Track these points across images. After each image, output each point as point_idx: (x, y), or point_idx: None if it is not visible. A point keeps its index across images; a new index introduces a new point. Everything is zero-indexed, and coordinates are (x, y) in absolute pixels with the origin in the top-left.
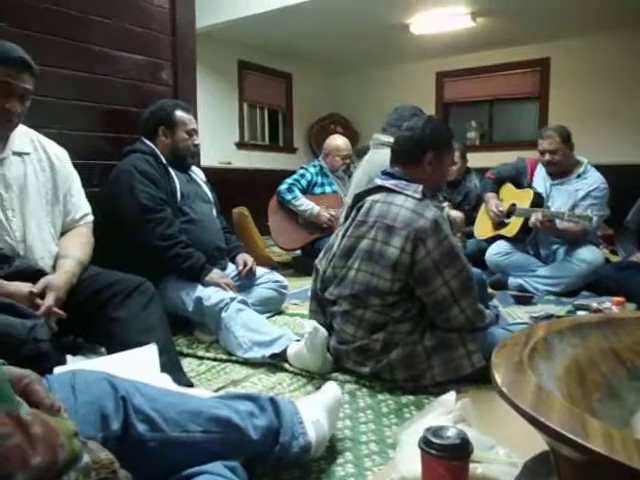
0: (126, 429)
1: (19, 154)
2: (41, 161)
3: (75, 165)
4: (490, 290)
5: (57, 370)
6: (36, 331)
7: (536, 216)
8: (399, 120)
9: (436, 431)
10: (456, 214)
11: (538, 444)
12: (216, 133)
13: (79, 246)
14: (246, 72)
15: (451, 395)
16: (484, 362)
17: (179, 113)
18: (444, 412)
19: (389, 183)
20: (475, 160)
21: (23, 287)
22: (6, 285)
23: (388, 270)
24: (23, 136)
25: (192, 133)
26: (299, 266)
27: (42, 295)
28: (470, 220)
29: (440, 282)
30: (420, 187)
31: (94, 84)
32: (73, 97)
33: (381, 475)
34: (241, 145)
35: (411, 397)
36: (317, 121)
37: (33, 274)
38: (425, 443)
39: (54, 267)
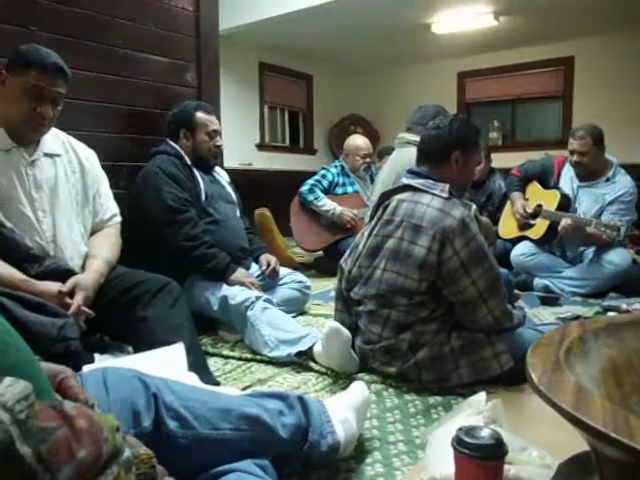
0: (157, 426)
1: (50, 155)
2: (71, 162)
3: (103, 166)
4: (516, 291)
5: (86, 368)
6: (66, 330)
7: (566, 221)
8: (423, 119)
9: (469, 431)
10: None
11: (571, 446)
12: (237, 135)
13: (107, 246)
14: (267, 74)
15: (481, 396)
16: (512, 363)
17: (200, 115)
18: (474, 413)
19: (416, 182)
20: (497, 160)
21: (53, 286)
22: (37, 284)
23: (415, 269)
24: (54, 138)
25: (213, 135)
26: (321, 267)
27: (71, 294)
28: (494, 221)
29: (468, 282)
30: (447, 186)
31: (121, 86)
32: (101, 99)
33: (410, 475)
34: (262, 146)
35: (438, 398)
36: (337, 122)
37: (62, 273)
38: (458, 443)
39: (83, 267)
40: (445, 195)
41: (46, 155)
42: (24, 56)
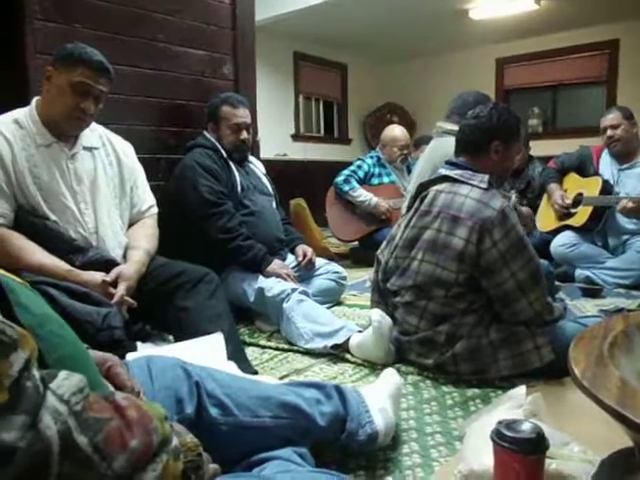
0: (199, 413)
1: (89, 149)
2: (109, 155)
3: (141, 159)
4: (556, 282)
5: (129, 356)
6: (110, 319)
7: (625, 203)
8: (463, 107)
9: (510, 424)
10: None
11: (613, 441)
12: (272, 125)
13: (146, 237)
14: (302, 64)
15: (521, 389)
16: (553, 356)
17: (225, 108)
18: (514, 406)
19: (454, 173)
20: (537, 148)
21: (97, 276)
22: (81, 274)
23: (453, 261)
24: (92, 132)
25: (236, 129)
26: (356, 257)
27: (114, 284)
28: (533, 209)
29: (507, 274)
30: (486, 177)
31: (159, 80)
32: (140, 93)
33: (448, 466)
34: (297, 137)
35: (476, 390)
36: (373, 111)
37: (105, 264)
38: (498, 436)
39: (124, 257)
40: (484, 186)
41: (85, 149)
42: (71, 54)
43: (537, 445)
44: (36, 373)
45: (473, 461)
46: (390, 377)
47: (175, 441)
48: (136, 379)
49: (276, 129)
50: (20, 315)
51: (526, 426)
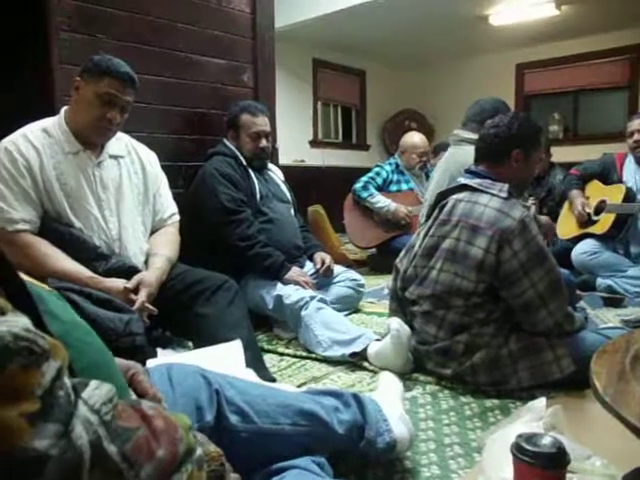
0: (219, 420)
1: (114, 157)
2: (134, 163)
3: (162, 166)
4: (577, 291)
5: (149, 362)
6: (132, 325)
7: None
8: (480, 114)
9: (530, 438)
10: (544, 218)
11: (636, 455)
12: (290, 131)
13: (168, 244)
14: (320, 70)
15: (541, 401)
16: (574, 367)
17: (244, 117)
18: (534, 418)
19: (473, 182)
20: (558, 154)
21: (119, 283)
22: (104, 281)
23: (472, 271)
24: (118, 140)
25: (255, 137)
26: (375, 264)
27: (135, 291)
28: (554, 217)
29: (527, 284)
30: (506, 186)
31: (180, 89)
32: (162, 102)
33: (467, 479)
34: (315, 143)
35: (495, 401)
36: (391, 117)
37: (127, 271)
38: (518, 450)
39: (145, 263)
40: (504, 195)
41: (111, 157)
42: (98, 65)
43: (558, 460)
44: (68, 382)
45: (492, 474)
46: (389, 381)
47: (199, 451)
48: (157, 386)
49: (294, 135)
50: (49, 323)
51: (547, 440)
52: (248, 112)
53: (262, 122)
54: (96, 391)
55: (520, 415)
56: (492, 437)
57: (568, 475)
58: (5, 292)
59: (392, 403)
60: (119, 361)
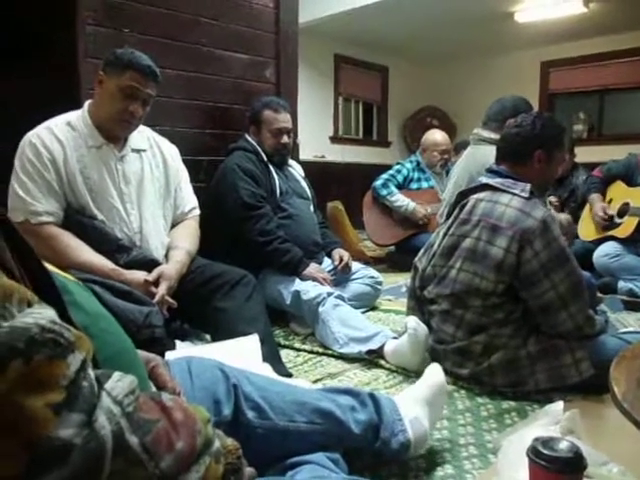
0: (236, 415)
1: (137, 151)
2: (155, 157)
3: (184, 161)
4: (598, 294)
5: (168, 355)
6: (151, 317)
7: None
8: (501, 113)
9: (546, 442)
10: (564, 216)
11: None
12: (311, 127)
13: (188, 238)
14: (342, 66)
15: (558, 405)
16: (593, 371)
17: (266, 112)
18: (551, 422)
19: (494, 181)
20: (582, 155)
21: (139, 275)
22: (125, 273)
23: (491, 271)
24: (140, 134)
25: (277, 133)
26: (392, 261)
27: (156, 283)
28: (575, 218)
29: (548, 285)
30: (528, 186)
31: (202, 84)
32: (184, 96)
33: (482, 479)
34: (335, 139)
35: (512, 403)
36: (412, 114)
37: (147, 263)
38: (534, 453)
39: (166, 256)
40: (526, 195)
41: (133, 150)
42: (121, 59)
43: (575, 465)
44: (91, 373)
45: (508, 476)
46: (432, 377)
47: (217, 443)
48: (177, 379)
49: (315, 131)
50: (74, 315)
51: (564, 444)
52: (270, 108)
53: (284, 119)
54: (119, 383)
55: (537, 418)
56: (508, 439)
57: None
58: (31, 284)
59: (411, 403)
60: (140, 353)
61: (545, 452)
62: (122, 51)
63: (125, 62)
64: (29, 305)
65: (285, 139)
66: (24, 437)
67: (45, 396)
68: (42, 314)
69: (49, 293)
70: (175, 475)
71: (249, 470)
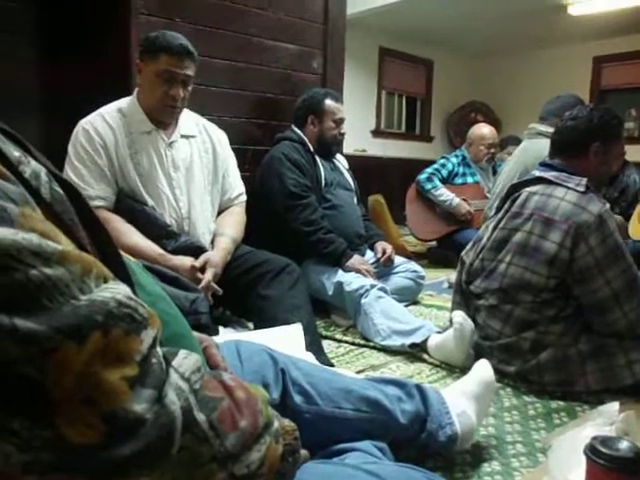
0: (284, 399)
1: (186, 137)
2: (204, 143)
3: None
4: None
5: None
6: (198, 304)
7: None
8: (561, 109)
9: (605, 441)
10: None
11: None
12: (353, 120)
13: (234, 225)
14: (386, 59)
15: (613, 405)
16: None
17: (329, 102)
18: (605, 422)
19: (549, 175)
20: (633, 153)
21: (186, 261)
22: (172, 259)
23: (543, 265)
24: (189, 120)
25: (339, 122)
26: (434, 257)
27: (202, 270)
28: (625, 217)
29: (602, 282)
30: (584, 180)
31: (250, 73)
32: (231, 86)
33: (531, 477)
34: (377, 133)
35: (561, 403)
36: (456, 109)
37: (194, 250)
38: (593, 452)
39: (212, 243)
40: (581, 189)
41: (183, 136)
42: (153, 43)
43: (636, 465)
44: (159, 350)
45: (560, 475)
46: (481, 373)
47: (276, 424)
48: (227, 361)
49: (356, 124)
50: (139, 295)
51: (624, 444)
52: (332, 98)
53: (342, 108)
54: (185, 360)
55: (590, 418)
56: (560, 438)
57: None
58: (103, 261)
59: (459, 397)
60: (194, 334)
61: (605, 451)
62: (154, 35)
63: (157, 46)
64: (105, 281)
65: (343, 129)
66: (102, 409)
67: (121, 370)
68: (118, 289)
69: (120, 271)
70: (238, 454)
71: (303, 452)
